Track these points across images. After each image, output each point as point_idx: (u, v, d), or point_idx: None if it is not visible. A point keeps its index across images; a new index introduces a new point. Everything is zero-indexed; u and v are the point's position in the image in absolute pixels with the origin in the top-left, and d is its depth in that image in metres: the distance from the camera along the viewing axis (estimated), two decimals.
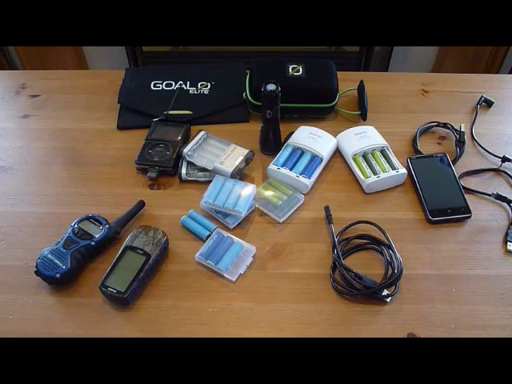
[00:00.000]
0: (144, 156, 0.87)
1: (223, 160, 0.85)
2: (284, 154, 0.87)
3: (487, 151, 0.91)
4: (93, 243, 0.73)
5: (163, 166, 0.86)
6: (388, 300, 0.70)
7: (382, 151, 0.89)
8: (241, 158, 0.85)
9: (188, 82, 1.03)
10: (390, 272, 0.72)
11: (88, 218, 0.76)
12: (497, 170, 0.88)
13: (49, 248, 0.72)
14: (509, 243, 0.77)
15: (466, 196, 0.82)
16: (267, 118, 0.85)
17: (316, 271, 0.73)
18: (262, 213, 0.81)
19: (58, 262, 0.70)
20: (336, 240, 0.75)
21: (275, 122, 0.87)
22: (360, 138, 0.89)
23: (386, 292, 0.70)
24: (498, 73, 1.98)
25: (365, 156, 0.88)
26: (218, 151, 0.87)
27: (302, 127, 0.92)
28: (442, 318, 0.68)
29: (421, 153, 0.90)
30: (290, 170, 0.84)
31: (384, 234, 0.76)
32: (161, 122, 0.94)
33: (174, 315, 0.69)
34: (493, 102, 1.01)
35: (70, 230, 0.74)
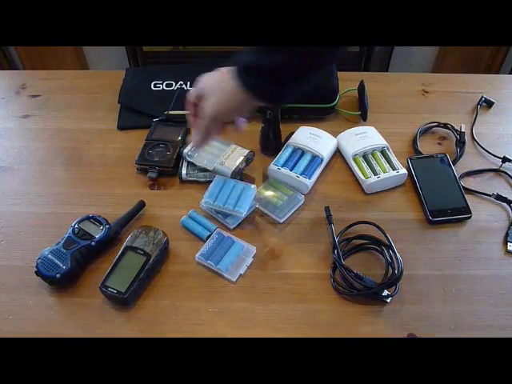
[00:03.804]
0: (144, 156, 0.87)
1: (223, 160, 0.85)
2: (284, 154, 0.87)
3: (487, 151, 0.91)
4: (93, 243, 0.73)
5: (163, 166, 0.86)
6: (388, 300, 0.70)
7: (383, 151, 0.89)
8: (241, 158, 0.85)
9: (188, 82, 1.03)
10: (390, 272, 0.72)
11: (88, 218, 0.76)
12: (497, 171, 0.88)
13: (49, 248, 0.72)
14: (509, 243, 0.76)
15: (466, 196, 0.82)
16: (267, 118, 0.85)
17: (316, 271, 0.73)
18: (262, 213, 0.81)
19: (58, 262, 0.70)
20: (336, 240, 0.75)
21: (275, 122, 0.87)
22: (360, 139, 0.89)
23: (386, 292, 0.70)
24: (498, 73, 1.98)
25: (365, 156, 0.88)
26: (218, 151, 0.87)
27: (303, 127, 0.92)
28: (442, 318, 0.68)
29: (421, 153, 0.90)
30: (291, 170, 0.84)
31: (384, 234, 0.76)
32: (161, 122, 0.94)
33: (174, 315, 0.69)
34: (493, 103, 1.01)
35: (70, 230, 0.74)
